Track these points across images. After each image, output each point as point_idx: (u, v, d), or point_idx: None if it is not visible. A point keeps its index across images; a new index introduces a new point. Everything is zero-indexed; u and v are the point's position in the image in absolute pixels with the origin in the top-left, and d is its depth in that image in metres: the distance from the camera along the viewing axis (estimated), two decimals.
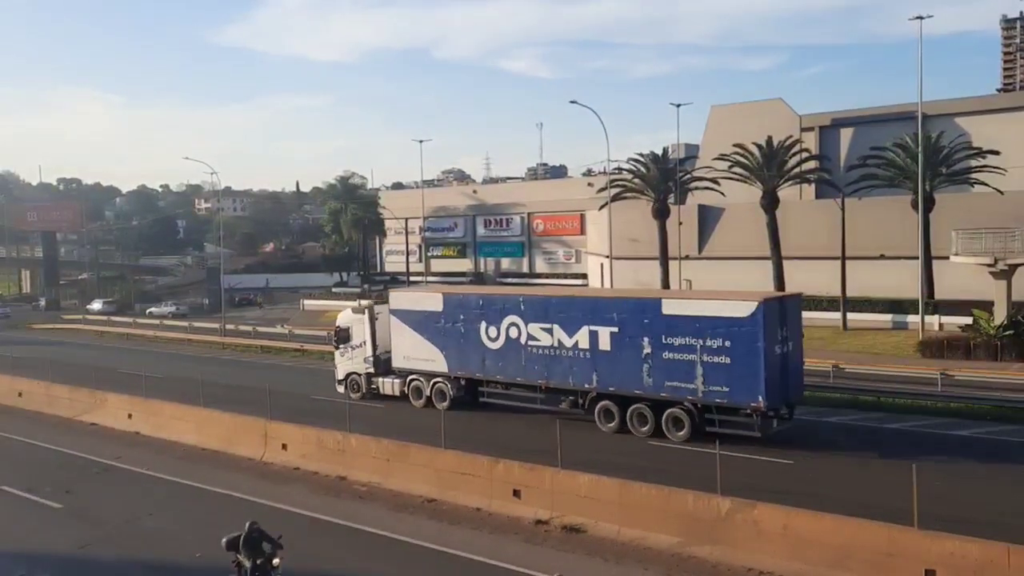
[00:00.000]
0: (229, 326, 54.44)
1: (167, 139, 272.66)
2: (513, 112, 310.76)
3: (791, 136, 52.68)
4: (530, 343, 25.60)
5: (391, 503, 18.35)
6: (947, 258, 38.97)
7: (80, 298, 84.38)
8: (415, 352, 28.53)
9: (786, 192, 52.56)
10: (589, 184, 74.08)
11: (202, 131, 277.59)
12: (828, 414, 26.13)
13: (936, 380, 28.44)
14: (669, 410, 23.00)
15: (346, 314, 31.57)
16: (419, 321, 28.38)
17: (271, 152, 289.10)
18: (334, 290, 77.64)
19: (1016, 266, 35.99)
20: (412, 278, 79.32)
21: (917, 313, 40.68)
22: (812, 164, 53.51)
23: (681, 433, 22.77)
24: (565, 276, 78.69)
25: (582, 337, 24.44)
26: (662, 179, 55.60)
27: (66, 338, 58.82)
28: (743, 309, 21.76)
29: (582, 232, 78.22)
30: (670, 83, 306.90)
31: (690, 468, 19.16)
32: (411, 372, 28.90)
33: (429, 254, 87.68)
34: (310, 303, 69.66)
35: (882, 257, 48.43)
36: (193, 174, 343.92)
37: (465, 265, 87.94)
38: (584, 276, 75.52)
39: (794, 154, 51.06)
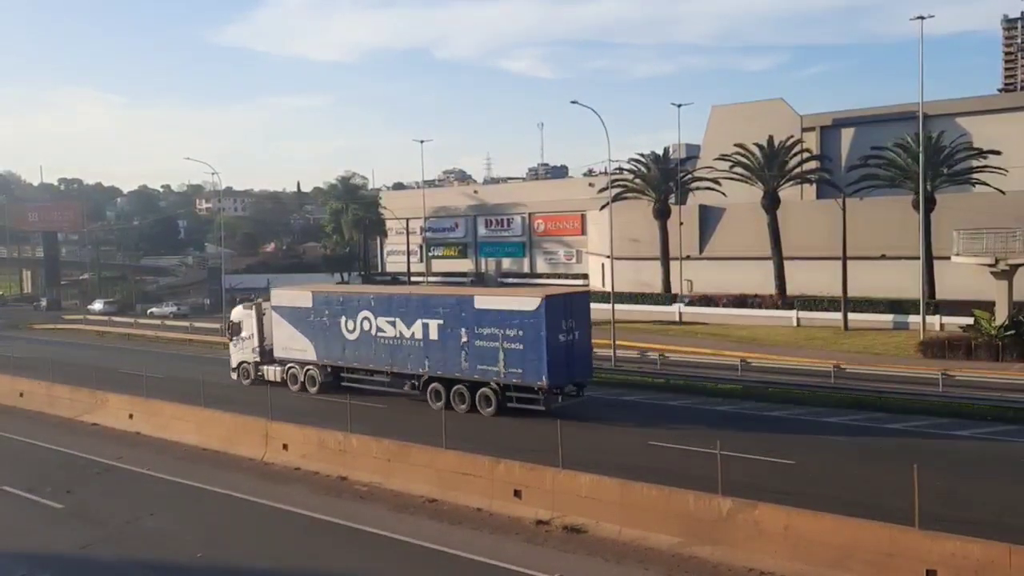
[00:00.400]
0: None
1: (168, 139, 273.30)
2: (514, 112, 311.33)
3: (792, 136, 52.71)
4: (379, 334, 29.80)
5: (392, 503, 18.34)
6: (948, 258, 38.97)
7: (81, 298, 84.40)
8: (291, 343, 32.52)
9: (787, 192, 52.58)
10: (590, 184, 74.07)
11: (203, 131, 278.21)
12: (828, 414, 26.15)
13: (937, 380, 28.45)
14: (481, 389, 27.12)
15: (238, 310, 35.77)
16: (294, 316, 32.42)
17: (272, 152, 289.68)
18: None
19: (1017, 266, 35.98)
20: (413, 278, 79.29)
21: (918, 313, 40.68)
22: (813, 164, 53.53)
23: (489, 409, 26.86)
24: (566, 276, 78.60)
25: (417, 329, 28.67)
26: (663, 179, 55.64)
27: (67, 338, 58.83)
28: (531, 304, 26.11)
29: (583, 232, 78.19)
30: (671, 83, 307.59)
31: (690, 468, 19.15)
32: (289, 361, 32.73)
33: (430, 254, 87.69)
34: None
35: (883, 257, 48.42)
36: (194, 174, 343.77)
37: (466, 265, 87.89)
38: (585, 276, 75.46)
39: (795, 154, 51.08)
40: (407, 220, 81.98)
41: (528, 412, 25.90)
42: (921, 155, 42.19)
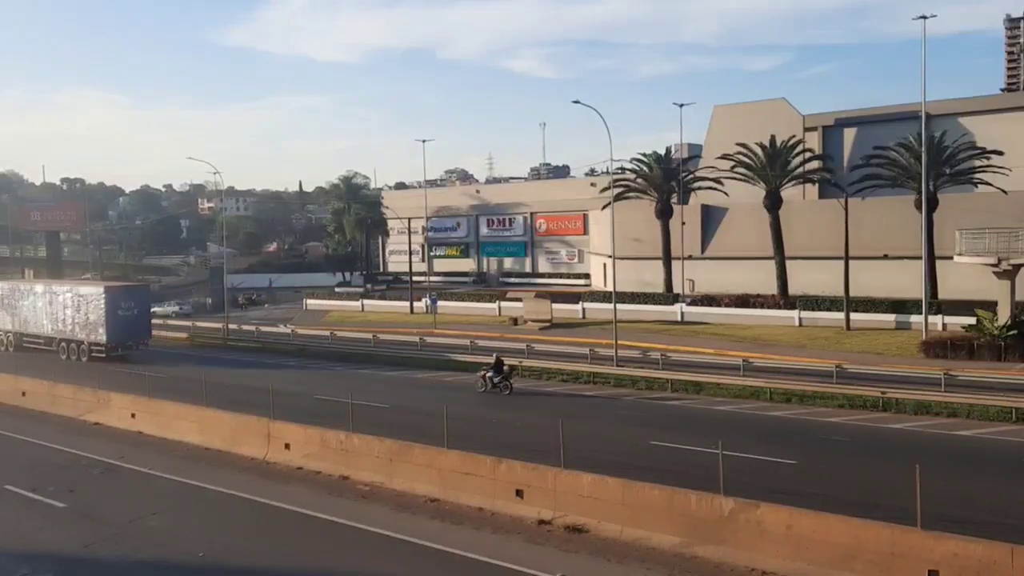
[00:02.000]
0: (232, 326, 54.49)
1: (170, 139, 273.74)
2: (516, 112, 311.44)
3: (794, 136, 52.68)
4: (40, 312, 45.28)
5: (394, 503, 18.33)
6: (951, 258, 38.92)
7: None
8: (2, 318, 47.92)
9: (789, 192, 52.57)
10: (592, 184, 74.07)
11: (206, 131, 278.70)
12: (829, 414, 26.11)
13: (940, 380, 28.39)
14: (81, 346, 42.79)
15: None
16: (2, 301, 47.99)
17: (274, 152, 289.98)
18: (337, 290, 77.68)
19: (1020, 266, 35.92)
20: (415, 278, 79.43)
21: (920, 313, 40.63)
22: (815, 164, 53.52)
23: (85, 359, 42.08)
24: (568, 276, 78.60)
25: (60, 309, 44.12)
26: (665, 179, 55.62)
27: None
28: (99, 291, 42.46)
29: (585, 232, 78.21)
30: (673, 83, 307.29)
31: (692, 467, 19.12)
32: (1, 330, 48.25)
33: (432, 254, 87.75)
34: (313, 303, 69.78)
35: (885, 257, 48.41)
36: (196, 174, 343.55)
37: (468, 265, 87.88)
38: (587, 276, 75.49)
39: (797, 154, 51.03)
40: (409, 220, 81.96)
41: None
42: (924, 155, 42.16)
